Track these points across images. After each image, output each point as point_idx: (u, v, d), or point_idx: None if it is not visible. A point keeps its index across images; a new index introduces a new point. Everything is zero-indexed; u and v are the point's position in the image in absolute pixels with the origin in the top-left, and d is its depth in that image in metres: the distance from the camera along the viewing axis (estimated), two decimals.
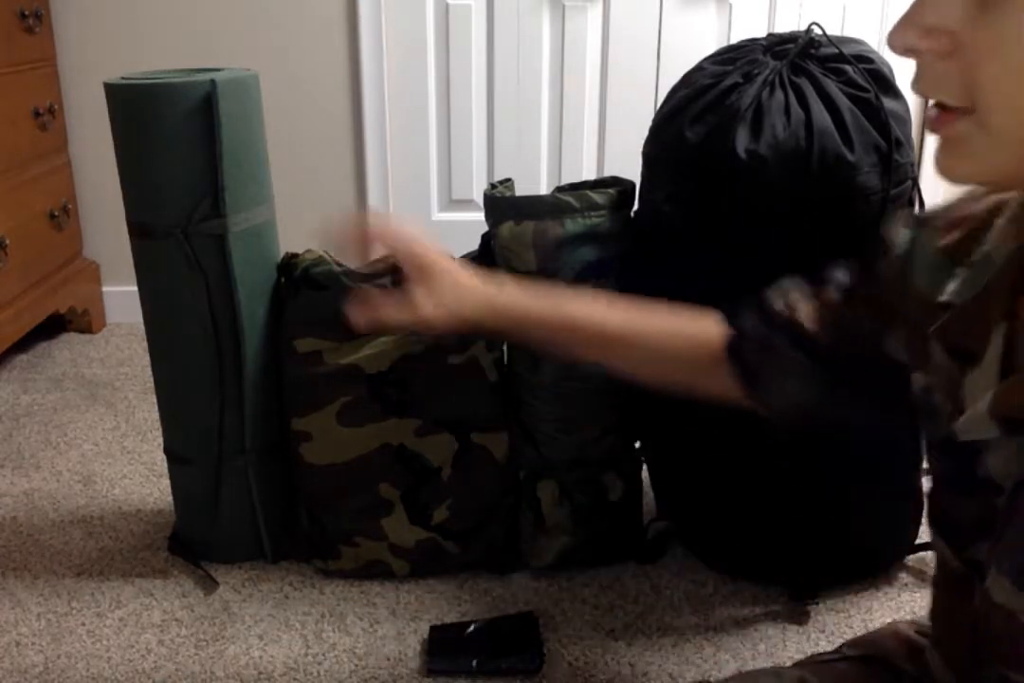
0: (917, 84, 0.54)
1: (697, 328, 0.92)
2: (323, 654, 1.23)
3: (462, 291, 0.97)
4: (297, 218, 2.32)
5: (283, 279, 1.31)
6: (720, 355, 0.88)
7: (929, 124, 0.55)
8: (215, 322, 1.27)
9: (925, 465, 1.37)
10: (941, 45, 0.51)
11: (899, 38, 0.52)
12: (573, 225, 1.24)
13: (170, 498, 1.57)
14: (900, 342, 0.74)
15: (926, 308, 0.69)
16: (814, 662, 0.85)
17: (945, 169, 0.55)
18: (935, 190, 1.96)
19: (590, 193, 1.23)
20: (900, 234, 0.74)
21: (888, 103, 1.18)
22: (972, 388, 0.63)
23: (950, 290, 0.65)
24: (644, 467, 1.43)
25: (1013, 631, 0.61)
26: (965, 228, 0.68)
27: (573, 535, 1.35)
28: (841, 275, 0.83)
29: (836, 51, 1.21)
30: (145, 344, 2.22)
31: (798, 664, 0.87)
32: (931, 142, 2.36)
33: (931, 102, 0.55)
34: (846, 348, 0.82)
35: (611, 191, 1.25)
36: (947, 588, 0.71)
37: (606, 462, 1.35)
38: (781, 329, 0.84)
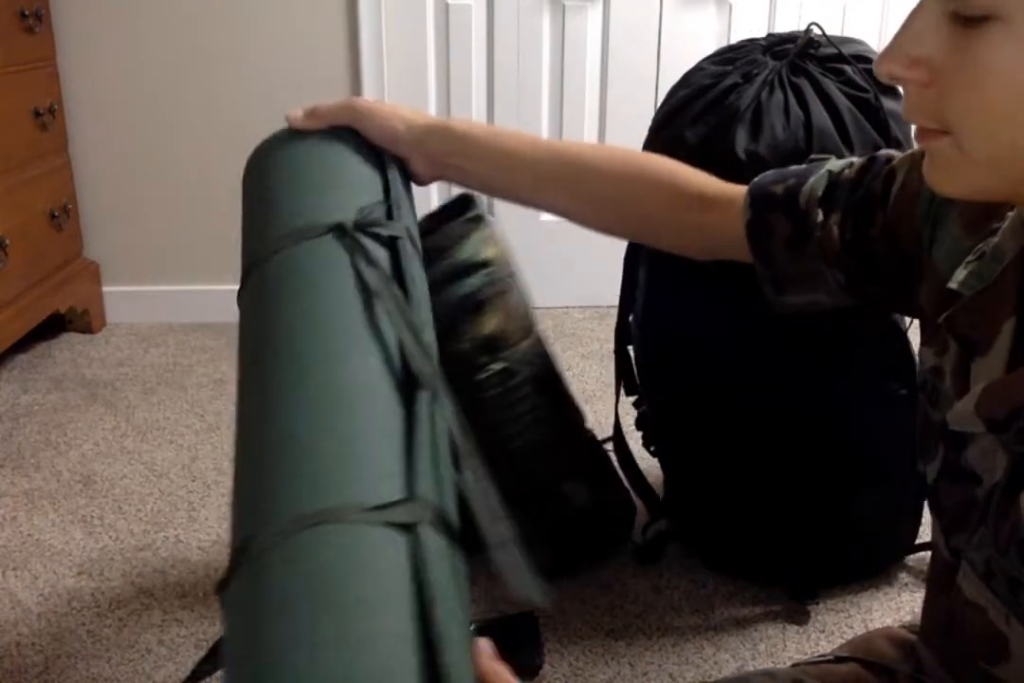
0: (903, 109, 0.58)
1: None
2: None
3: (398, 117, 0.92)
4: None
5: None
6: (737, 240, 0.87)
7: (915, 137, 0.59)
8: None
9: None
10: (922, 75, 0.54)
11: (884, 67, 0.55)
12: (448, 266, 1.19)
13: (172, 498, 1.58)
14: (925, 301, 0.74)
15: (940, 288, 0.70)
16: (809, 663, 0.85)
17: (933, 182, 0.59)
18: None
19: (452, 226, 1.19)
20: (926, 188, 0.74)
21: (887, 103, 1.18)
22: (978, 376, 0.64)
23: (959, 279, 0.66)
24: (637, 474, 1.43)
25: (987, 628, 0.62)
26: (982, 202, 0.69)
27: (550, 545, 1.33)
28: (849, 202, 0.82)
29: (835, 51, 1.21)
30: (145, 344, 2.23)
31: (794, 665, 0.87)
32: None
33: None
34: (875, 287, 0.82)
35: (471, 215, 1.20)
36: (935, 578, 0.73)
37: (562, 473, 1.31)
38: (816, 245, 0.83)
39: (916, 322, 1.25)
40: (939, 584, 0.71)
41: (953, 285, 0.67)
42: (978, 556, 0.63)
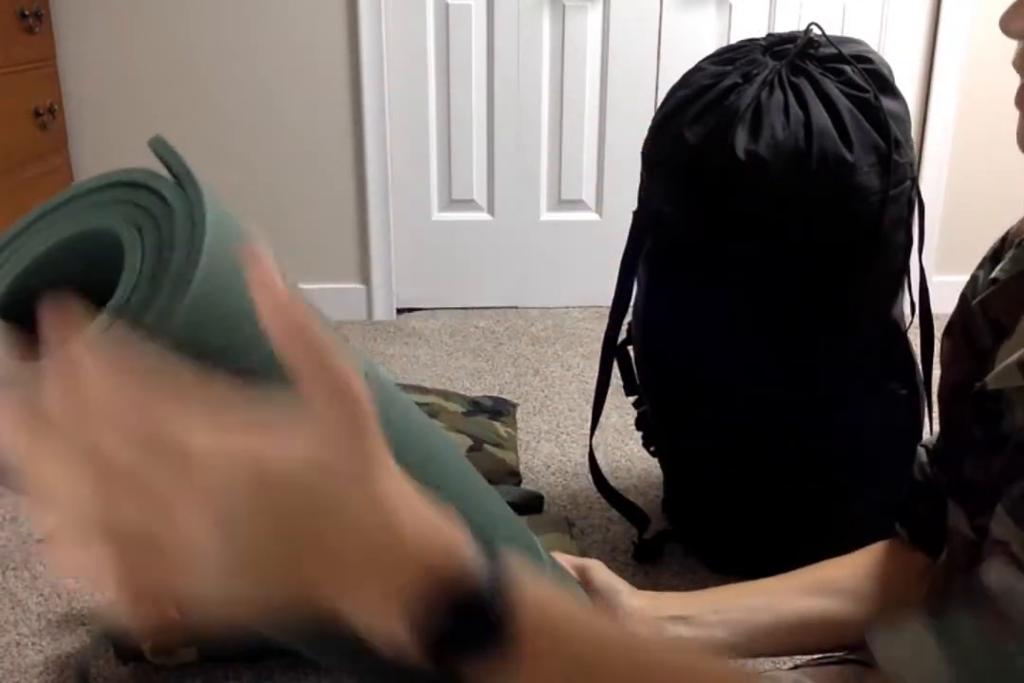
0: (1019, 135, 0.50)
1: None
2: None
3: None
4: (298, 216, 2.32)
5: None
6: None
7: None
8: None
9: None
10: None
11: (1019, 22, 0.47)
12: None
13: None
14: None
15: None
16: (811, 665, 0.85)
17: None
18: (935, 190, 1.96)
19: None
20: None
21: (887, 103, 1.18)
22: (1001, 358, 0.63)
23: (1000, 267, 0.66)
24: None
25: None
26: None
27: None
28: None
29: (835, 51, 1.21)
30: None
31: (795, 667, 0.86)
32: (930, 142, 2.36)
33: None
34: None
35: None
36: (950, 565, 0.71)
37: None
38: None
39: (916, 322, 1.25)
40: (957, 569, 0.69)
41: (994, 274, 0.66)
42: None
